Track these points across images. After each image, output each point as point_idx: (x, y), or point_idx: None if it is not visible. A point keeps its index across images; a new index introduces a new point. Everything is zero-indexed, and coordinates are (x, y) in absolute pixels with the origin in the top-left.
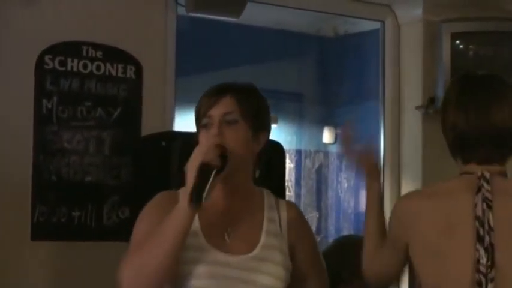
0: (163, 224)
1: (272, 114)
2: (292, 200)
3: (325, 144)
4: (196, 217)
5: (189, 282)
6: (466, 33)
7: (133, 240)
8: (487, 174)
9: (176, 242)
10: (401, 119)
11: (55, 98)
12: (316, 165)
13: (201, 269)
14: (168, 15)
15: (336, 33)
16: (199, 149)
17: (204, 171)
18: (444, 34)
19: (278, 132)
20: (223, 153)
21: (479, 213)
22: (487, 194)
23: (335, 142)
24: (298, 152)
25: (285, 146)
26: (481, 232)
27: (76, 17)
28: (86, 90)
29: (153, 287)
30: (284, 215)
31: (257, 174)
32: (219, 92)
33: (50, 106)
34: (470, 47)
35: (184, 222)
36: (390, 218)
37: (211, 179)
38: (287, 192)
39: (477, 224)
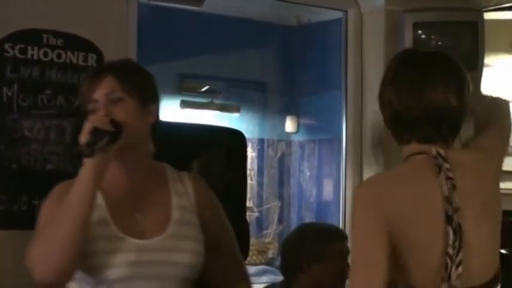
0: (66, 199)
1: (235, 103)
2: (255, 189)
3: (288, 133)
4: (104, 205)
5: (106, 274)
6: (428, 23)
7: (37, 228)
8: (442, 152)
9: (83, 208)
10: (364, 108)
11: (15, 86)
12: (279, 154)
13: (117, 259)
14: (129, 3)
15: (299, 22)
16: (88, 122)
17: (95, 133)
18: (406, 24)
19: (240, 121)
20: (115, 122)
21: (446, 193)
22: (449, 173)
23: (298, 131)
24: (261, 141)
25: (248, 135)
26: (449, 212)
27: (36, 5)
28: (47, 78)
29: (65, 263)
30: (189, 186)
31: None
32: (97, 74)
33: (10, 94)
34: (432, 37)
35: (86, 185)
36: (360, 211)
37: (104, 140)
38: (249, 181)
39: (446, 204)
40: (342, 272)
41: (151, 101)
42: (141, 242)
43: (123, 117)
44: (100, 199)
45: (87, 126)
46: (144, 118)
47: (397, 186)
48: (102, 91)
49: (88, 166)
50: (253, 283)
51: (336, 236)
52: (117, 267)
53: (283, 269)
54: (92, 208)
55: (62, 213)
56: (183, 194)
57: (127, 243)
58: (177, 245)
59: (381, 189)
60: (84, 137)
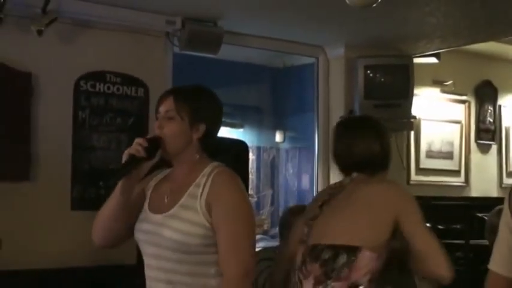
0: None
1: (239, 122)
2: (254, 181)
3: (277, 143)
4: (153, 187)
5: (135, 235)
6: (374, 65)
7: None
8: None
9: (112, 204)
10: (330, 125)
11: (87, 111)
12: (271, 157)
13: (137, 225)
14: (166, 52)
15: (284, 65)
16: (135, 142)
17: (129, 159)
18: (359, 66)
19: (244, 134)
20: (154, 144)
21: None
22: None
23: (284, 141)
24: (258, 148)
25: (249, 144)
26: None
27: (102, 53)
28: (109, 105)
29: (104, 235)
30: (210, 180)
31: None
32: (164, 94)
33: (84, 116)
34: (377, 75)
35: (116, 193)
36: None
37: (133, 165)
38: (250, 176)
39: None
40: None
41: (199, 122)
42: (152, 215)
43: (168, 133)
44: (153, 182)
45: (128, 150)
46: (192, 134)
47: None
48: (163, 108)
49: (118, 184)
50: None
51: (300, 211)
52: (136, 231)
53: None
54: (120, 200)
55: (105, 205)
56: (201, 185)
57: (146, 214)
58: (167, 223)
59: None
60: (124, 158)
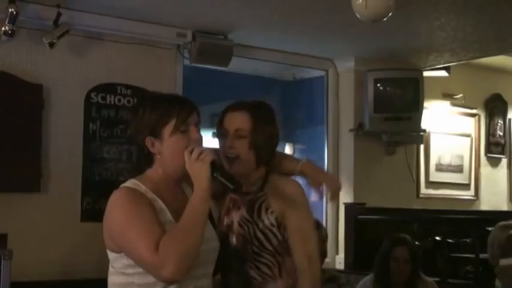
0: (190, 212)
1: None
2: None
3: None
4: (161, 200)
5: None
6: (384, 79)
7: (144, 231)
8: None
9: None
10: (340, 138)
11: (98, 122)
12: None
13: (207, 245)
14: (177, 64)
15: (294, 78)
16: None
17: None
18: (369, 80)
19: None
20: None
21: None
22: None
23: (293, 154)
24: None
25: None
26: None
27: (113, 66)
28: (120, 117)
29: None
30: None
31: None
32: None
33: (94, 128)
34: (387, 88)
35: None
36: None
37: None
38: None
39: None
40: None
41: None
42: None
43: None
44: (163, 205)
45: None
46: None
47: None
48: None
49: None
50: None
51: None
52: (209, 251)
53: None
54: None
55: (191, 223)
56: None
57: (212, 232)
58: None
59: None
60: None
